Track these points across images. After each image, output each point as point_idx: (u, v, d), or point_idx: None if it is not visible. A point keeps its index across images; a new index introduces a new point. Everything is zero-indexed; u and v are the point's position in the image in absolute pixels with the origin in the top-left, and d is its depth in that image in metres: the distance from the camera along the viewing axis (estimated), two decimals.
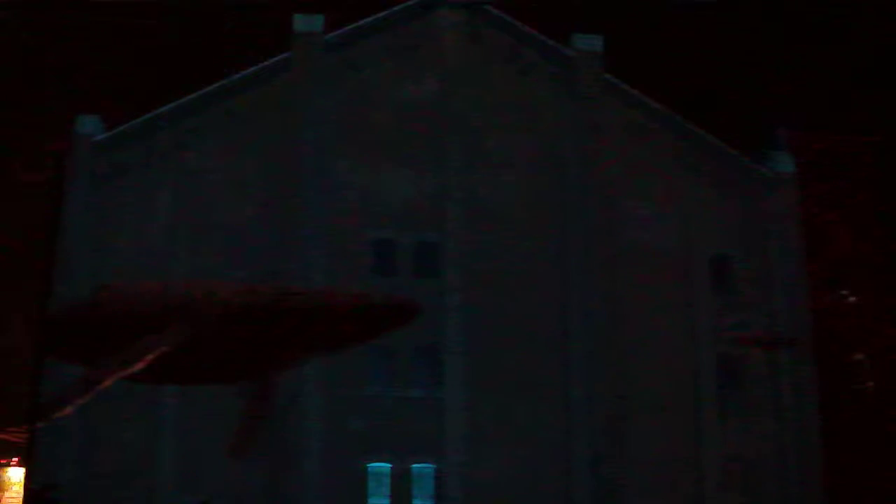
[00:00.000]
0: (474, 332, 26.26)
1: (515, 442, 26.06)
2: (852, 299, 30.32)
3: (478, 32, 28.67)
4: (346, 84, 27.96)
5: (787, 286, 28.69)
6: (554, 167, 28.11)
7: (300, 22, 27.84)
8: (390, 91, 28.06)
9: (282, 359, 11.53)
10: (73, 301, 12.54)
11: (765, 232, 29.14)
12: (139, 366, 10.40)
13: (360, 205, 27.12)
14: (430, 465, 26.16)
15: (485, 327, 26.29)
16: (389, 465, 25.95)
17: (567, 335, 26.94)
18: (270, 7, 27.21)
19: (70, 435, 24.80)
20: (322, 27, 27.94)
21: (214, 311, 10.56)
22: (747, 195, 29.41)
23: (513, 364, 26.33)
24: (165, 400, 25.21)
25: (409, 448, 25.95)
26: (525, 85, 28.62)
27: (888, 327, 29.67)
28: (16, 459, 37.03)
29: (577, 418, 26.42)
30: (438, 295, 25.79)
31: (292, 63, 27.78)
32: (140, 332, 10.50)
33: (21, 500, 28.49)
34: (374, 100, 27.99)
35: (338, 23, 28.19)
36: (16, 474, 36.49)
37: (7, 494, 36.07)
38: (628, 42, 28.57)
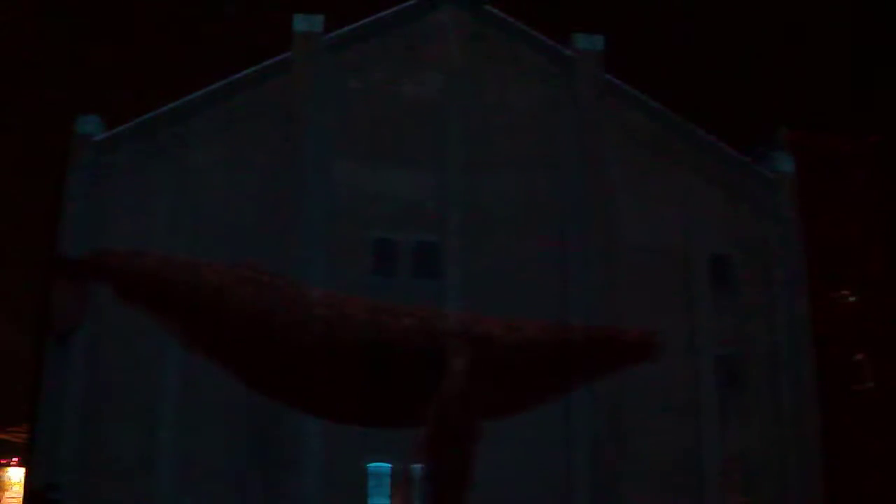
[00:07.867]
0: None
1: (515, 442, 26.01)
2: (852, 299, 30.33)
3: (478, 32, 28.67)
4: (346, 84, 27.94)
5: (787, 286, 28.69)
6: (554, 167, 28.10)
7: (300, 22, 27.84)
8: (390, 91, 28.04)
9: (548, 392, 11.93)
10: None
11: (765, 232, 29.14)
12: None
13: (360, 205, 27.10)
14: None
15: None
16: (389, 465, 25.93)
17: None
18: (270, 7, 27.22)
19: (70, 435, 24.79)
20: (322, 27, 27.95)
21: (518, 345, 10.80)
22: (747, 195, 29.41)
23: None
24: (165, 400, 25.21)
25: (409, 448, 25.87)
26: (525, 85, 28.61)
27: (888, 327, 29.66)
28: (16, 459, 37.10)
29: (577, 418, 26.40)
30: (438, 295, 25.75)
31: (292, 63, 27.78)
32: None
33: (21, 500, 28.56)
34: (375, 100, 27.97)
35: (338, 23, 28.23)
36: (16, 474, 36.55)
37: (7, 494, 36.11)
38: (628, 42, 28.61)
